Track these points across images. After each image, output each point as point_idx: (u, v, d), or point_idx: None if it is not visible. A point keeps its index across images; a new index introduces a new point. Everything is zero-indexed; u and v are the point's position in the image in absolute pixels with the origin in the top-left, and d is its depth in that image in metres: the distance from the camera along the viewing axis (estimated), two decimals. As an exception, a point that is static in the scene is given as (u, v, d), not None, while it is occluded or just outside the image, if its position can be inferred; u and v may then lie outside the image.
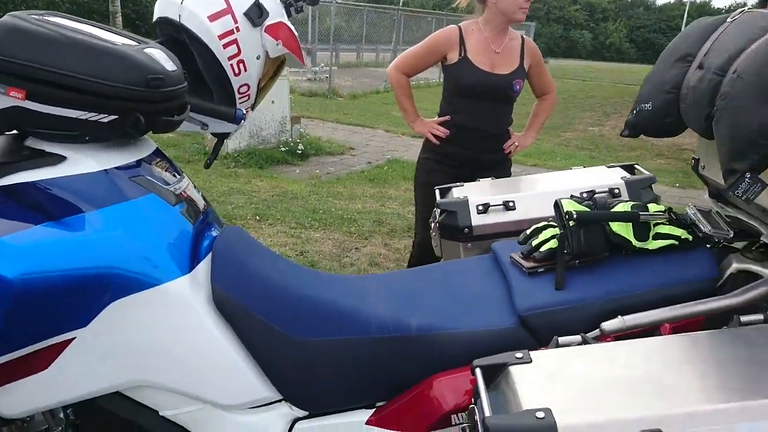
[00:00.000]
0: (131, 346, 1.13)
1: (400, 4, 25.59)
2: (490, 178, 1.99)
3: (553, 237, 1.28)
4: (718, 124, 1.09)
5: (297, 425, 1.25)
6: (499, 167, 2.56)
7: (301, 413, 1.26)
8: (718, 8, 57.16)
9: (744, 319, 1.00)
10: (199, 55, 1.38)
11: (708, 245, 1.28)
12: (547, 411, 0.82)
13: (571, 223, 1.23)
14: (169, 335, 1.16)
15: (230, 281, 1.20)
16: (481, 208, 1.68)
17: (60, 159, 1.11)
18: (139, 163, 1.21)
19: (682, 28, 1.51)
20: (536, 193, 1.73)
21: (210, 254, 1.24)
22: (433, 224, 1.79)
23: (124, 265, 1.09)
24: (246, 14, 1.37)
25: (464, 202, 1.70)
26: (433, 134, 2.53)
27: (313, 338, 1.21)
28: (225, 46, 1.36)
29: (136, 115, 1.12)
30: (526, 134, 2.68)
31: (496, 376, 0.96)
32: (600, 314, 1.14)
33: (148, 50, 1.17)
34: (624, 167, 1.80)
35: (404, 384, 1.22)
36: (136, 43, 1.20)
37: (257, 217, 4.54)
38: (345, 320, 1.23)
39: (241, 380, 1.20)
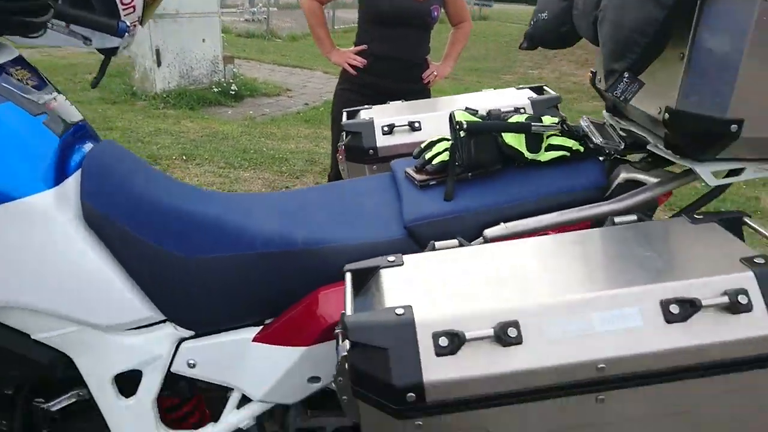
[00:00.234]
0: None
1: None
2: (400, 101, 1.95)
3: (446, 150, 1.25)
4: (601, 26, 1.07)
5: (182, 345, 1.21)
6: (419, 97, 2.51)
7: (187, 333, 1.21)
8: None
9: (618, 219, 1.00)
10: None
11: (600, 157, 1.27)
12: (408, 308, 0.80)
13: (462, 133, 1.20)
14: (35, 253, 1.08)
15: (102, 198, 1.13)
16: (386, 129, 1.64)
17: None
18: None
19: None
20: (442, 113, 1.70)
21: (80, 169, 1.16)
22: (340, 147, 1.74)
23: None
24: None
25: (369, 123, 1.66)
26: (349, 64, 2.46)
27: (196, 255, 1.16)
28: None
29: None
30: (444, 63, 2.64)
31: (368, 279, 0.93)
32: (486, 223, 1.13)
33: None
34: (533, 88, 1.79)
35: (292, 300, 1.18)
36: None
37: (184, 157, 4.38)
38: (229, 236, 1.18)
39: (118, 300, 1.14)
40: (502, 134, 1.23)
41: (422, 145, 1.31)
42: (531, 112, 1.63)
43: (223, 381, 1.22)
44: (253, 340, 1.20)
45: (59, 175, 1.11)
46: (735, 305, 0.75)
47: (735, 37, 0.93)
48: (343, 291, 0.91)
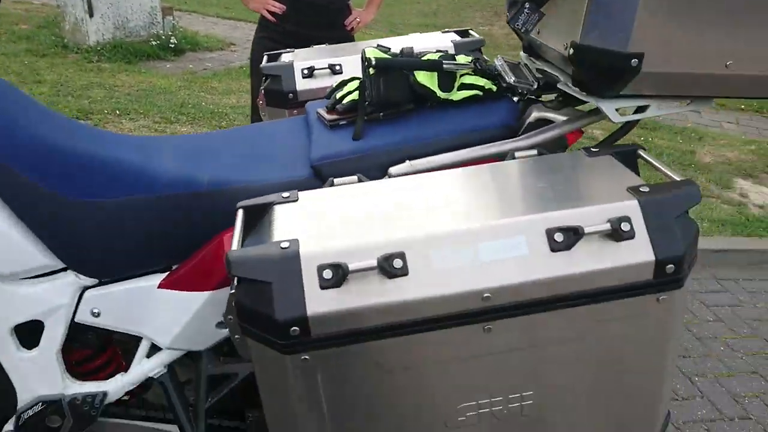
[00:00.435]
0: None
1: None
2: (323, 45, 1.89)
3: (357, 89, 1.22)
4: None
5: (86, 294, 1.17)
6: (342, 45, 2.45)
7: (90, 281, 1.17)
8: None
9: (518, 153, 1.00)
10: None
11: (514, 97, 1.26)
12: (294, 241, 0.77)
13: (371, 70, 1.16)
14: None
15: None
16: (306, 72, 1.59)
17: None
18: None
19: None
20: (364, 56, 1.65)
21: None
22: (260, 92, 1.69)
23: None
24: None
25: (289, 66, 1.60)
26: (268, 11, 2.36)
27: (93, 199, 1.11)
28: None
29: None
30: (367, 9, 2.59)
31: (262, 216, 0.90)
32: (394, 162, 1.11)
33: None
34: (458, 32, 1.76)
35: (199, 244, 1.15)
36: None
37: (117, 112, 4.21)
38: (128, 179, 1.13)
39: (12, 247, 1.08)
40: (415, 73, 1.20)
41: (334, 85, 1.28)
42: (453, 55, 1.60)
43: (129, 329, 1.18)
44: (158, 287, 1.16)
45: None
46: (617, 233, 0.76)
47: (635, -29, 0.92)
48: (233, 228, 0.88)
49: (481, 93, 1.23)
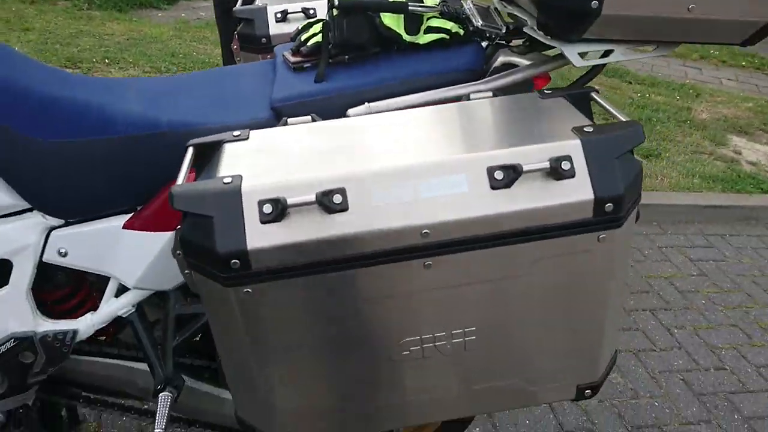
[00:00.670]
0: None
1: None
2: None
3: (321, 32, 1.20)
4: None
5: (53, 234, 1.18)
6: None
7: (56, 222, 1.18)
8: None
9: (474, 95, 0.99)
10: None
11: (483, 42, 1.25)
12: (237, 177, 0.78)
13: (335, 11, 1.15)
14: None
15: None
16: (279, 16, 1.57)
17: None
18: None
19: None
20: None
21: None
22: (234, 37, 1.67)
23: None
24: None
25: (262, 10, 1.58)
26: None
27: (56, 140, 1.11)
28: None
29: None
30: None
31: (212, 154, 0.91)
32: (353, 104, 1.10)
33: None
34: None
35: (162, 185, 1.16)
36: None
37: (106, 61, 4.16)
38: (92, 119, 1.13)
39: None
40: (381, 15, 1.18)
41: (299, 27, 1.26)
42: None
43: (96, 269, 1.20)
44: (123, 227, 1.17)
45: None
46: (557, 171, 0.76)
47: None
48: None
49: (448, 37, 1.21)
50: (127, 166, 1.14)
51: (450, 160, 0.78)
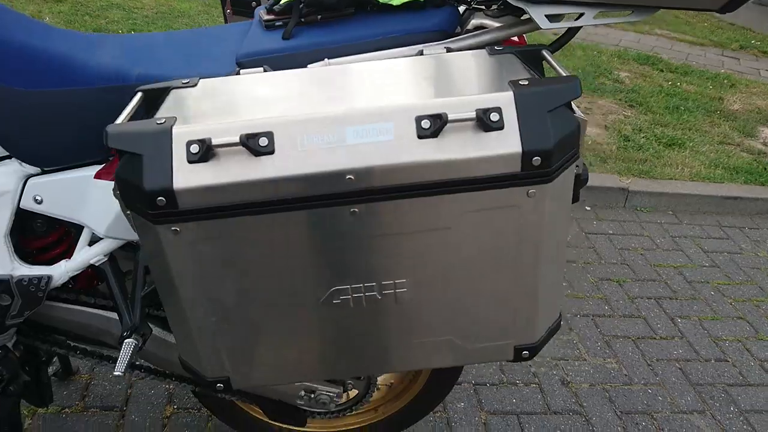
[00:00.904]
0: None
1: None
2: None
3: (295, -10, 1.21)
4: None
5: (29, 182, 1.22)
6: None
7: (33, 170, 1.22)
8: None
9: (427, 51, 0.99)
10: None
11: (460, 6, 1.24)
12: (171, 118, 0.80)
13: (307, -31, 1.15)
14: None
15: None
16: (268, -22, 1.57)
17: None
18: None
19: None
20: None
21: None
22: (227, 1, 1.68)
23: None
24: None
25: (252, -28, 1.59)
26: None
27: (33, 89, 1.14)
28: None
29: None
30: None
31: (159, 99, 0.92)
32: (317, 61, 1.11)
33: None
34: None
35: (133, 137, 1.18)
36: None
37: (132, 32, 4.24)
38: (67, 71, 1.16)
39: None
40: (354, -25, 1.18)
41: (280, -14, 1.26)
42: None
43: (69, 217, 1.24)
44: (95, 177, 1.20)
45: None
46: (484, 122, 0.75)
47: None
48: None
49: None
50: (99, 117, 1.17)
51: (379, 108, 0.78)
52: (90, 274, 1.42)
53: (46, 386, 1.59)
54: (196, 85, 0.91)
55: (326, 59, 1.06)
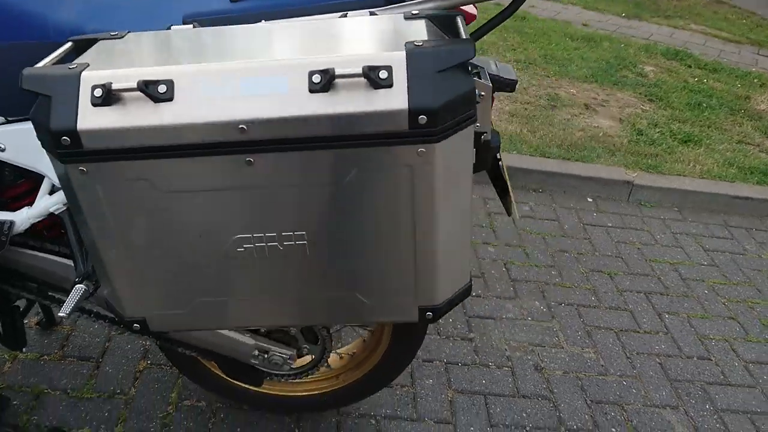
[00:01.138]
0: None
1: None
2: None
3: (251, -46, 1.24)
4: None
5: None
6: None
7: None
8: None
9: (351, 14, 1.01)
10: None
11: None
12: (83, 64, 0.84)
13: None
14: None
15: None
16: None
17: None
18: None
19: None
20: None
21: None
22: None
23: None
24: None
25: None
26: None
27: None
28: None
29: None
30: None
31: (86, 49, 0.97)
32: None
33: None
34: None
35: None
36: None
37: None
38: (22, 23, 1.21)
39: None
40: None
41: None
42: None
43: (31, 166, 1.30)
44: None
45: None
46: (373, 79, 0.77)
47: None
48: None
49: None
50: None
51: (275, 62, 0.80)
52: (58, 223, 1.48)
53: (20, 331, 1.68)
54: (122, 37, 0.95)
55: (263, 21, 1.09)
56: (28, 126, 1.27)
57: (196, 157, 0.82)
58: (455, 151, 0.83)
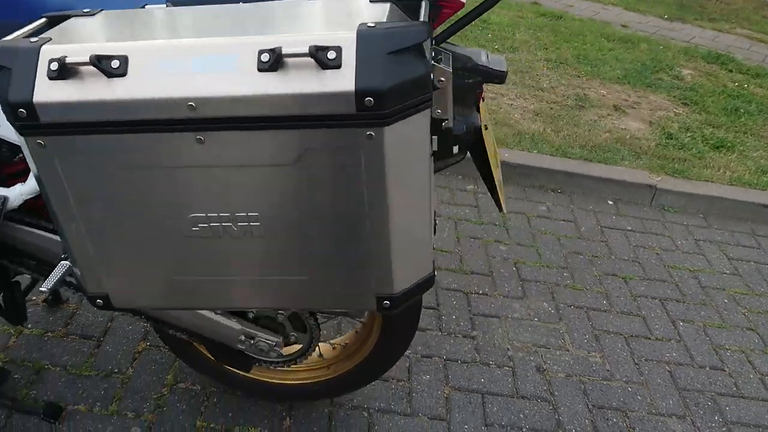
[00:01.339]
0: None
1: None
2: None
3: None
4: None
5: None
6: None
7: None
8: None
9: None
10: None
11: None
12: (46, 38, 0.85)
13: None
14: None
15: None
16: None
17: None
18: None
19: None
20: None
21: None
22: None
23: None
24: None
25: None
26: None
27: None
28: None
29: None
30: None
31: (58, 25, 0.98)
32: (240, 6, 1.14)
33: None
34: None
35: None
36: None
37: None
38: (13, 3, 1.24)
39: None
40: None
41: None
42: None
43: (15, 140, 1.33)
44: None
45: None
46: (320, 60, 0.76)
47: None
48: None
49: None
50: None
51: (225, 41, 0.80)
52: None
53: (20, 306, 1.72)
54: (95, 14, 0.96)
55: (241, 2, 1.09)
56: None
57: (148, 133, 0.82)
58: (407, 137, 0.82)
